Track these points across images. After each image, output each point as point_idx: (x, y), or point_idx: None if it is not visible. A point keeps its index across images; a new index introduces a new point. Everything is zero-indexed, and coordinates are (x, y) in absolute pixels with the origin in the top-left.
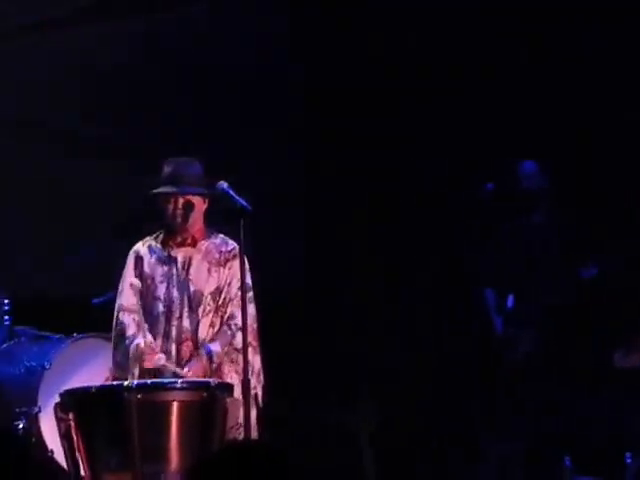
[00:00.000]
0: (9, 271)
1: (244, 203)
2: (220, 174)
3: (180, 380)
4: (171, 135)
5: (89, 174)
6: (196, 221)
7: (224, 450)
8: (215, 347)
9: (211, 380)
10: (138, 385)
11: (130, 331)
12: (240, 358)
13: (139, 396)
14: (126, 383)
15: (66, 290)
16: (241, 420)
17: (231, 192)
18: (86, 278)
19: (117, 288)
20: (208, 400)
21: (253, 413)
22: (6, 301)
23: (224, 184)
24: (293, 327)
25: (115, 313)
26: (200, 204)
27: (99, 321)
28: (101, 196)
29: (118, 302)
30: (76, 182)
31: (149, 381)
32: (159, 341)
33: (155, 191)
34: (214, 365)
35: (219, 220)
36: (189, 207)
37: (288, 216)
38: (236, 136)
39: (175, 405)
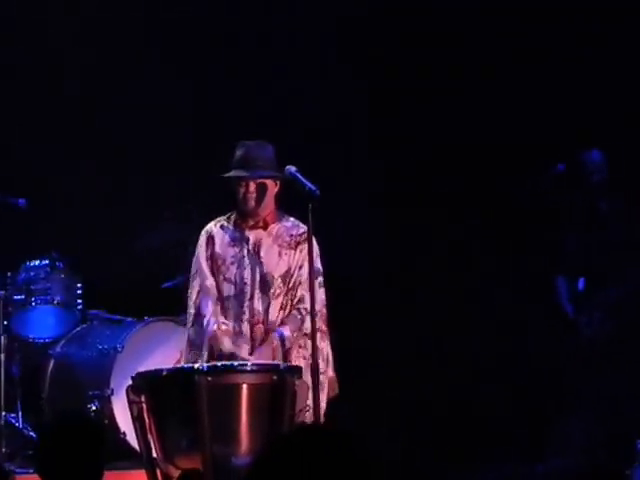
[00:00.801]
0: (82, 255)
1: (312, 187)
2: (294, 160)
3: (250, 363)
4: (247, 125)
5: (159, 159)
6: (268, 204)
7: (293, 433)
8: (287, 331)
9: (280, 363)
10: (209, 368)
11: (207, 313)
12: (308, 343)
13: (209, 379)
14: (197, 366)
15: (137, 274)
16: (310, 403)
17: (299, 176)
18: (156, 262)
19: (189, 269)
20: (277, 383)
21: (322, 397)
22: (79, 285)
23: (292, 168)
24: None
25: (192, 292)
26: (272, 187)
27: (169, 305)
28: (170, 180)
29: (195, 282)
30: (146, 168)
31: (219, 364)
32: (231, 322)
33: (227, 175)
34: (284, 349)
35: (290, 204)
36: (261, 191)
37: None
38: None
39: (245, 388)
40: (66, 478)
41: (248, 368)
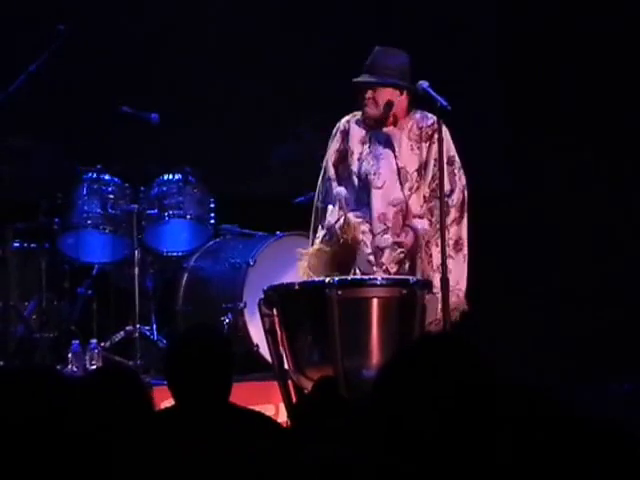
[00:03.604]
0: (213, 169)
1: (444, 102)
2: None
3: (380, 277)
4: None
5: (289, 69)
6: (396, 109)
7: (418, 342)
8: (423, 225)
9: (410, 277)
10: (339, 282)
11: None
12: (449, 234)
13: (340, 292)
14: (327, 280)
15: (269, 188)
16: (440, 316)
17: (431, 91)
18: (289, 176)
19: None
20: (407, 296)
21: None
22: (211, 200)
23: (425, 83)
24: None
25: (321, 182)
26: (394, 96)
27: (301, 220)
28: (302, 92)
29: (325, 174)
30: (276, 78)
31: (349, 278)
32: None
33: (353, 80)
34: (422, 242)
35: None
36: (382, 98)
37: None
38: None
39: (375, 301)
40: (194, 389)
41: (378, 282)
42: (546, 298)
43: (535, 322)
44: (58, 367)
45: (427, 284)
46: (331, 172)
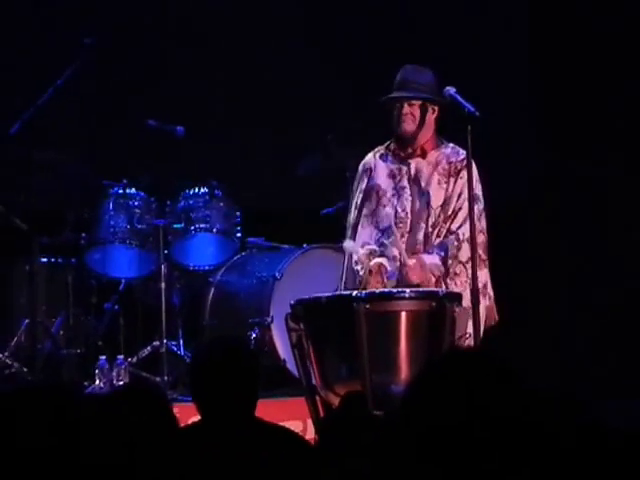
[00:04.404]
0: (239, 182)
1: (472, 108)
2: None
3: (409, 290)
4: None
5: (313, 80)
6: (425, 130)
7: (446, 356)
8: (433, 260)
9: (439, 289)
10: (367, 295)
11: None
12: (463, 271)
13: (368, 306)
14: (355, 293)
15: (295, 201)
16: (470, 330)
17: (458, 97)
18: (316, 188)
19: (348, 195)
20: (436, 309)
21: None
22: (237, 213)
23: (452, 89)
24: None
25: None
26: (428, 112)
27: (328, 232)
28: (327, 103)
29: (348, 217)
30: (300, 89)
31: (377, 291)
32: (389, 253)
33: (382, 98)
34: (432, 278)
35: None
36: (415, 113)
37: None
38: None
39: (403, 315)
40: (219, 402)
41: (407, 295)
42: (570, 310)
43: (560, 333)
44: (85, 383)
45: (457, 297)
46: (352, 216)
